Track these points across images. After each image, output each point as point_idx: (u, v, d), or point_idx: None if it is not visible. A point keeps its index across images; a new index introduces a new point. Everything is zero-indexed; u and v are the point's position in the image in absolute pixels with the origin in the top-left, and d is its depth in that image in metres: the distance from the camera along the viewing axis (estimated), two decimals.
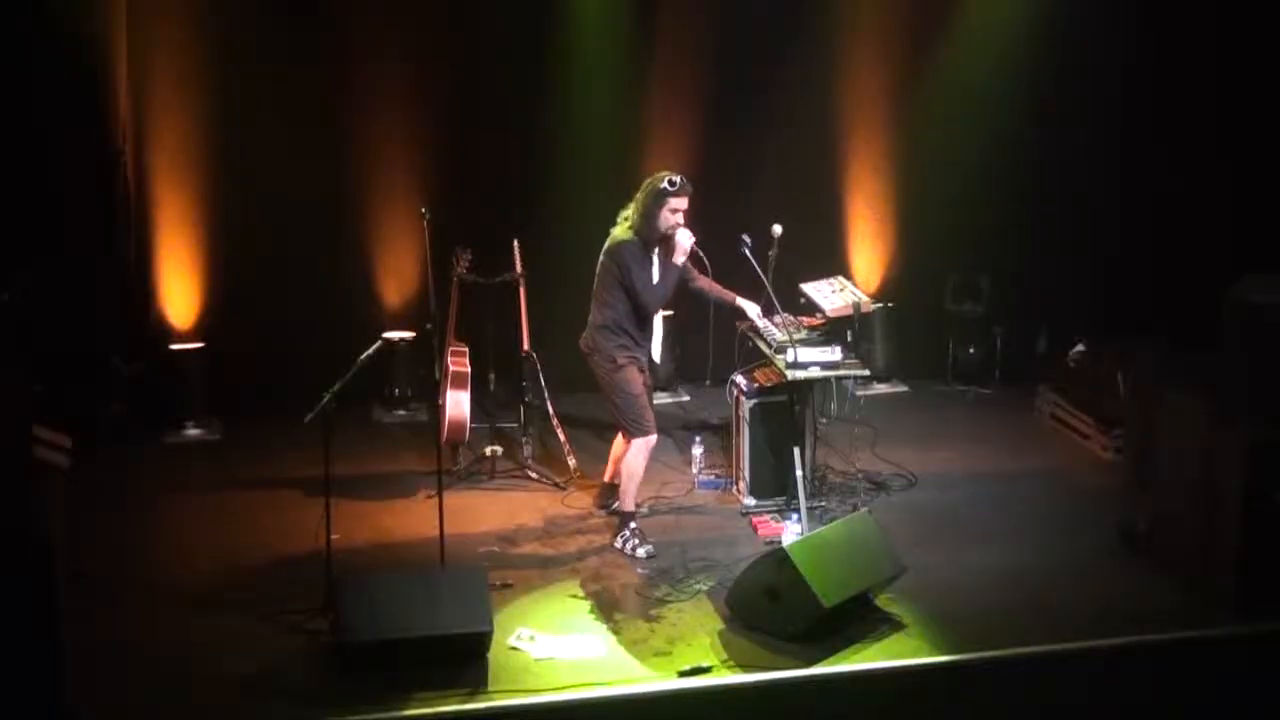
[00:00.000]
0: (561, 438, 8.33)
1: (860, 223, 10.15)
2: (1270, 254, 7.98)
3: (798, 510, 7.26)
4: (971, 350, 10.00)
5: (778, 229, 7.50)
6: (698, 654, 6.13)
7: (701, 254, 7.26)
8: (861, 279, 9.86)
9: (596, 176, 9.11)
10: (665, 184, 7.05)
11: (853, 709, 6.05)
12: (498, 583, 6.66)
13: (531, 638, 6.26)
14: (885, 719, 6.14)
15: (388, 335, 8.75)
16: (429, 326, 7.16)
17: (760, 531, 7.44)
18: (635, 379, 7.20)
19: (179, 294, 9.30)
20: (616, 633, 6.37)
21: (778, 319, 7.58)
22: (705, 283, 7.45)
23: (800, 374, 7.25)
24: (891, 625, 6.40)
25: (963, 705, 6.11)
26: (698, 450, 8.28)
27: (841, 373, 7.45)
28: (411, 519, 7.62)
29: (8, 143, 8.54)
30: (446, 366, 8.11)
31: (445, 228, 8.20)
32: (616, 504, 7.63)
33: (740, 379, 7.79)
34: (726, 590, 6.55)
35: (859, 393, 9.02)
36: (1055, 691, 6.14)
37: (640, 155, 9.51)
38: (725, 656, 6.12)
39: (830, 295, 8.27)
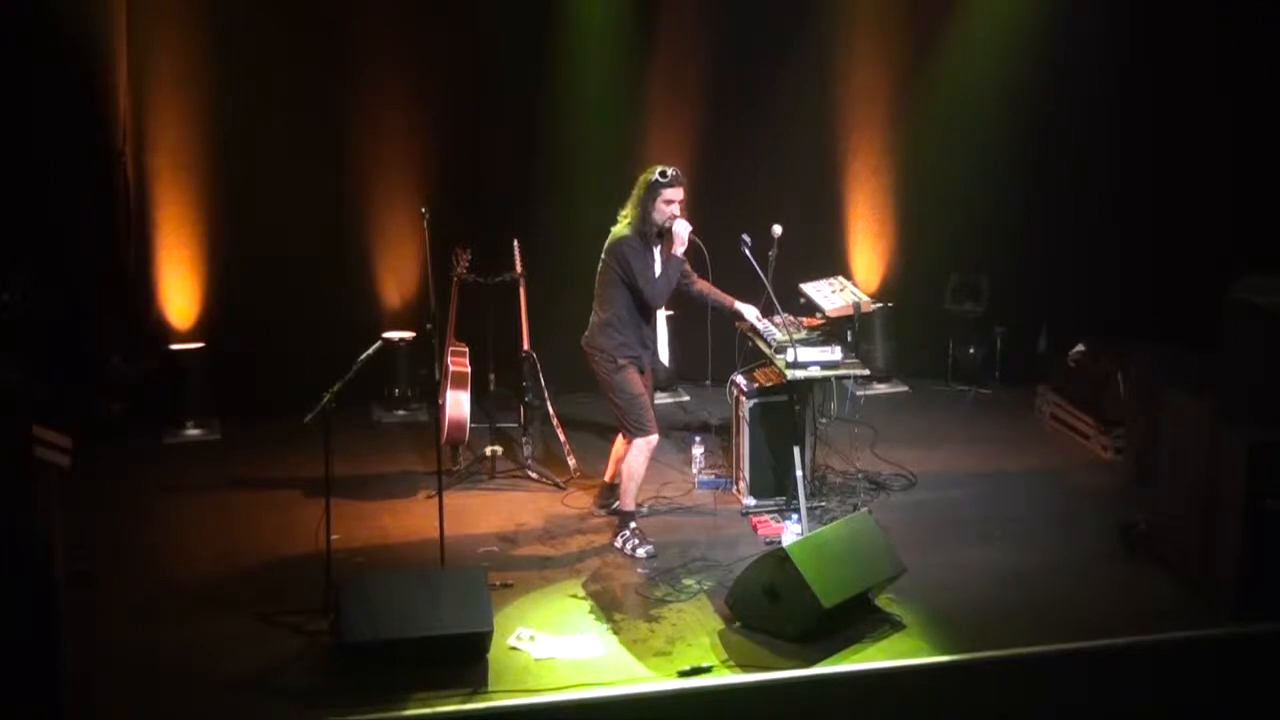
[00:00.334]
0: (561, 438, 8.33)
1: (860, 223, 10.14)
2: (1271, 253, 7.97)
3: (798, 510, 7.26)
4: (971, 350, 10.00)
5: (778, 229, 7.50)
6: (698, 654, 6.13)
7: (701, 244, 7.24)
8: (861, 279, 9.85)
9: (597, 176, 9.11)
10: (658, 176, 7.06)
11: (853, 709, 6.05)
12: (498, 583, 6.66)
13: (531, 638, 6.26)
14: (885, 719, 6.14)
15: (388, 335, 8.76)
16: (429, 326, 7.17)
17: (760, 531, 7.44)
18: (635, 379, 7.20)
19: (179, 294, 9.29)
20: (616, 633, 6.38)
21: (778, 319, 7.58)
22: (704, 286, 7.45)
23: (800, 374, 7.24)
24: (891, 625, 6.40)
25: (963, 705, 6.11)
26: (698, 450, 8.28)
27: (841, 372, 7.45)
28: (411, 519, 7.62)
29: (8, 143, 8.55)
30: (446, 366, 8.12)
31: (445, 228, 8.20)
32: (616, 504, 7.63)
33: (740, 379, 7.79)
34: (726, 590, 6.55)
35: (859, 393, 9.02)
36: (1055, 691, 6.14)
37: (640, 155, 9.49)
38: (725, 656, 6.13)
39: (830, 295, 8.27)
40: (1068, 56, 9.58)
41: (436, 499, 6.75)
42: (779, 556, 6.25)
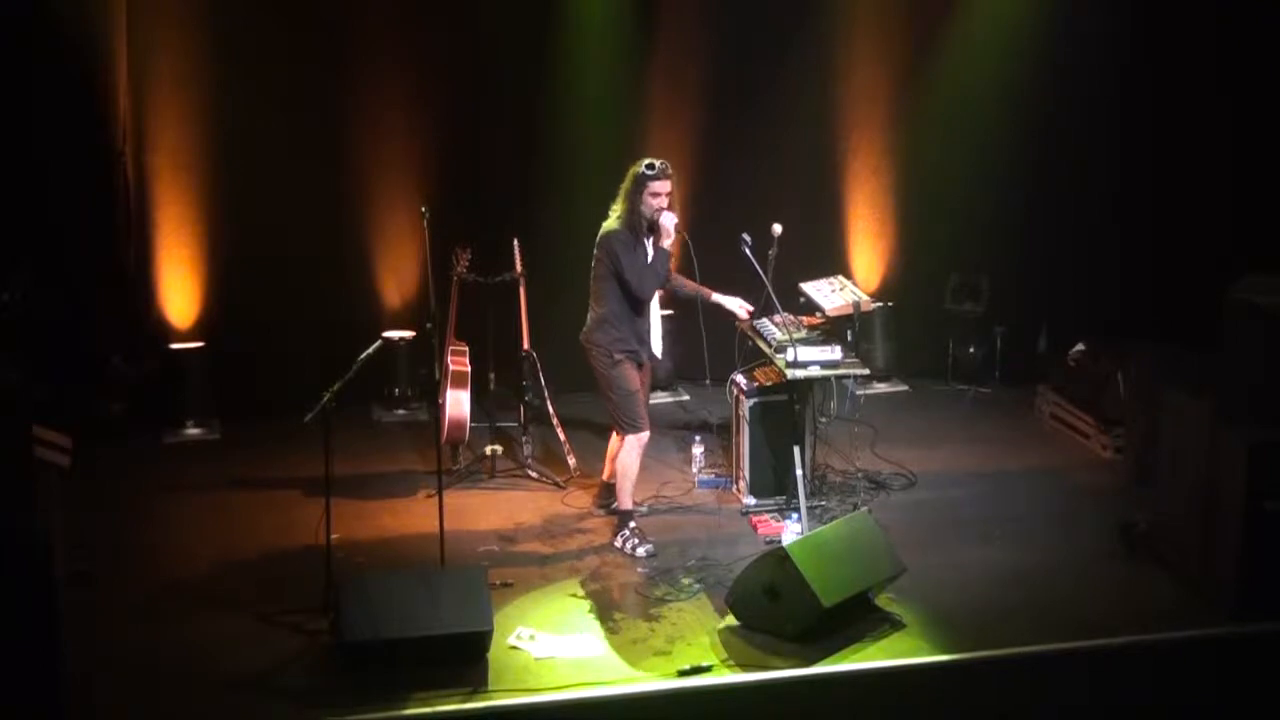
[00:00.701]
0: (561, 437, 8.33)
1: (860, 223, 10.15)
2: (1271, 253, 7.97)
3: (798, 510, 7.26)
4: (971, 350, 10.00)
5: (778, 228, 7.50)
6: (698, 654, 6.13)
7: (688, 239, 7.24)
8: (861, 279, 9.85)
9: (597, 176, 9.06)
10: (644, 168, 7.09)
11: (853, 709, 6.05)
12: (498, 582, 6.66)
13: (531, 637, 6.26)
14: (885, 719, 6.14)
15: (388, 335, 8.76)
16: (429, 326, 7.17)
17: (760, 531, 7.44)
18: (631, 375, 7.21)
19: (179, 294, 9.29)
20: (616, 632, 6.38)
21: (777, 318, 7.58)
22: (678, 279, 7.49)
23: (800, 373, 7.25)
24: (891, 625, 6.40)
25: (963, 705, 6.11)
26: (698, 450, 8.28)
27: (841, 372, 7.45)
28: (411, 519, 7.62)
29: (8, 142, 8.55)
30: (446, 366, 8.12)
31: (445, 228, 8.20)
32: (615, 503, 7.64)
33: (740, 378, 7.79)
34: (726, 590, 6.54)
35: (859, 392, 9.02)
36: (1055, 691, 6.14)
37: (640, 155, 9.45)
38: (725, 656, 6.13)
39: (830, 294, 8.27)
40: (1068, 56, 9.57)
41: (436, 498, 6.75)
42: (779, 556, 6.25)
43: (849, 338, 8.04)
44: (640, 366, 7.29)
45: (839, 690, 6.01)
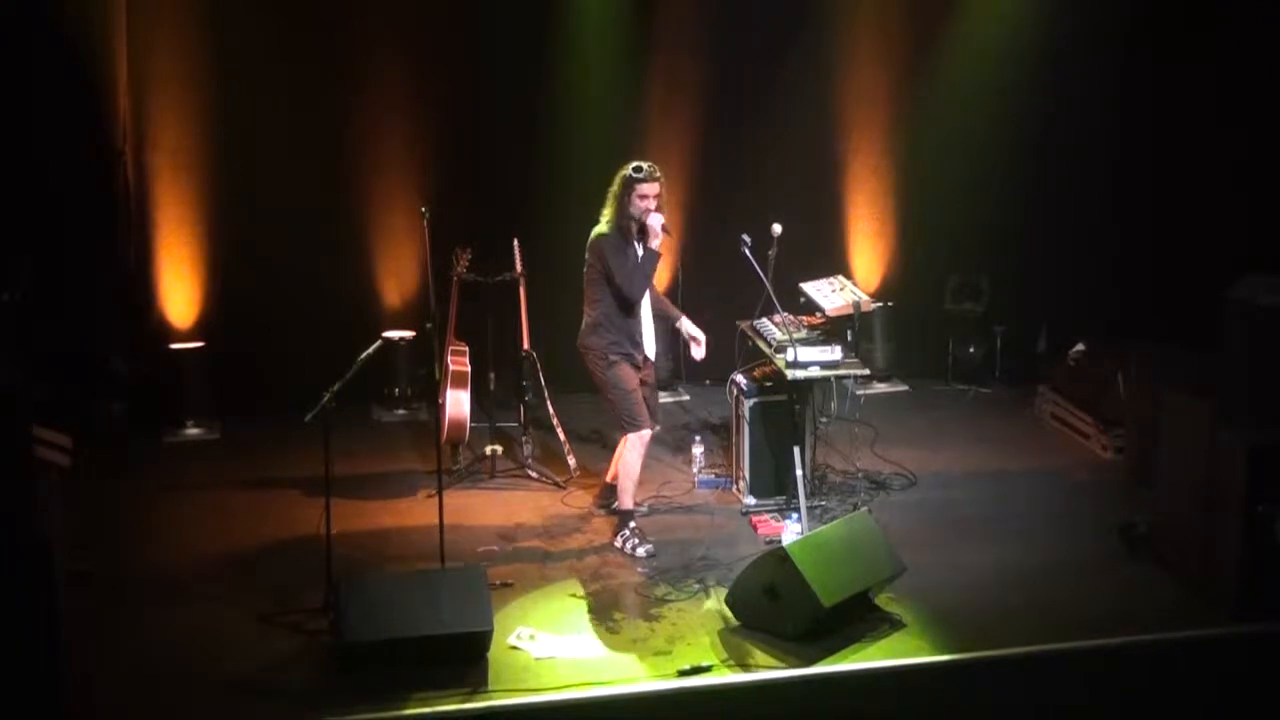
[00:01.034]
0: (561, 437, 8.33)
1: (860, 223, 10.15)
2: (1271, 254, 7.97)
3: (798, 510, 7.26)
4: (971, 350, 10.00)
5: (778, 228, 7.50)
6: (698, 654, 6.13)
7: (670, 234, 7.32)
8: (861, 279, 9.86)
9: (597, 176, 9.01)
10: (631, 171, 7.12)
11: (853, 709, 6.04)
12: (498, 582, 6.66)
13: (532, 637, 6.26)
14: (885, 719, 6.14)
15: (388, 335, 8.76)
16: (429, 326, 7.17)
17: (760, 531, 7.44)
18: (628, 375, 7.22)
19: (179, 294, 9.30)
20: (616, 632, 6.38)
21: (777, 318, 7.58)
22: (657, 295, 7.53)
23: (800, 373, 7.25)
24: (891, 625, 6.40)
25: (963, 705, 6.11)
26: (698, 450, 8.28)
27: (841, 372, 7.46)
28: (411, 519, 7.62)
29: (8, 142, 8.55)
30: (446, 366, 8.12)
31: (445, 228, 8.19)
32: (616, 503, 7.64)
33: (740, 379, 7.79)
34: (726, 590, 6.54)
35: (859, 392, 9.02)
36: (1055, 691, 6.14)
37: (640, 155, 9.41)
38: (725, 656, 6.12)
39: (830, 294, 8.27)
40: (1067, 56, 9.58)
41: (436, 498, 6.75)
42: (779, 556, 6.25)
43: (849, 338, 8.04)
44: (639, 367, 7.29)
45: (839, 690, 6.01)
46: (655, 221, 7.09)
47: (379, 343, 6.67)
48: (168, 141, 9.13)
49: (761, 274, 7.32)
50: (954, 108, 9.85)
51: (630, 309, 7.21)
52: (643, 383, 7.36)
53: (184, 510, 7.89)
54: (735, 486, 7.98)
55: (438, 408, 7.94)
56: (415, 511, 7.71)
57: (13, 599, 5.48)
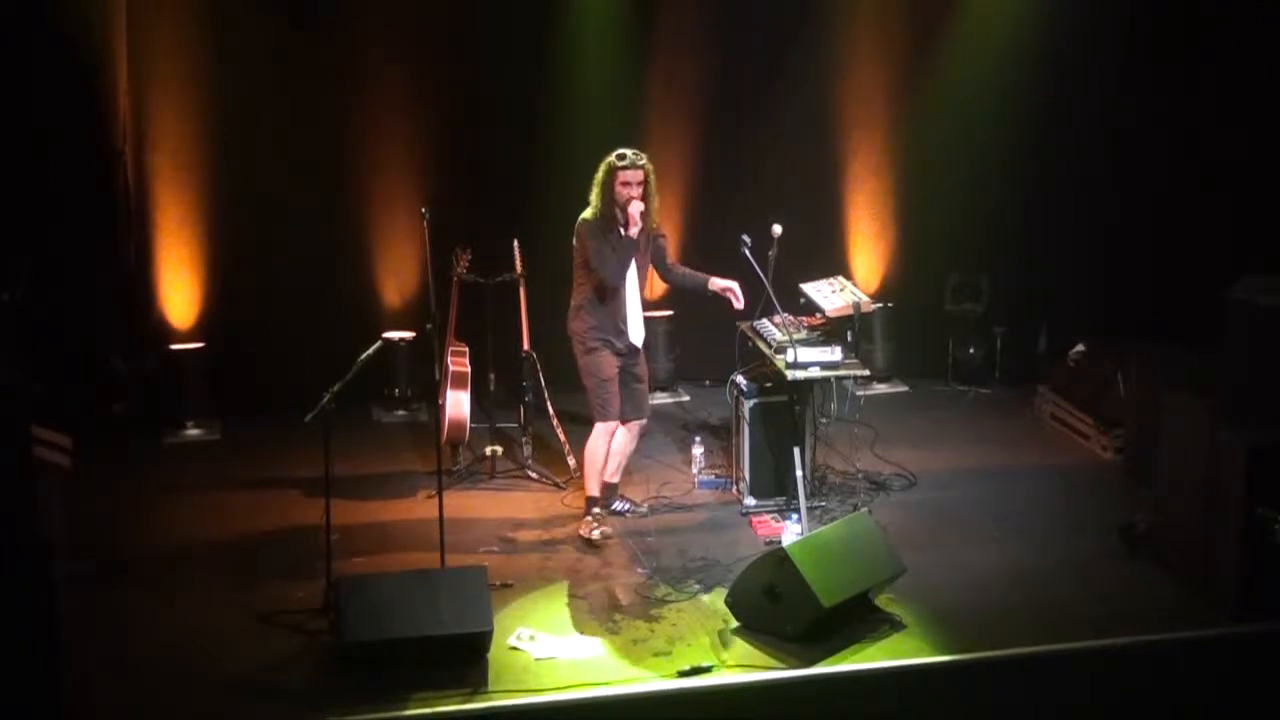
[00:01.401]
0: (561, 437, 8.33)
1: (860, 223, 10.15)
2: (1270, 254, 7.97)
3: (798, 510, 7.26)
4: (971, 350, 10.00)
5: (777, 229, 7.49)
6: (698, 654, 6.13)
7: (663, 235, 7.38)
8: (861, 279, 9.86)
9: None
10: (614, 157, 7.17)
11: (853, 709, 6.04)
12: (498, 582, 6.65)
13: (531, 638, 6.26)
14: (885, 719, 6.14)
15: (388, 335, 8.74)
16: (429, 326, 7.17)
17: (760, 531, 7.44)
18: (606, 363, 7.24)
19: (179, 294, 9.30)
20: (616, 633, 6.37)
21: (777, 319, 7.58)
22: (681, 271, 7.57)
23: (800, 374, 7.25)
24: (891, 625, 6.40)
25: (963, 705, 6.11)
26: (698, 450, 8.28)
27: (841, 373, 7.45)
28: (411, 519, 7.62)
29: (8, 142, 8.55)
30: (446, 366, 8.12)
31: (445, 228, 8.19)
32: (616, 503, 7.65)
33: (740, 379, 7.79)
34: (726, 590, 6.54)
35: (859, 393, 9.02)
36: (1055, 691, 6.14)
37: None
38: (725, 656, 6.12)
39: (830, 295, 8.26)
40: (1067, 56, 9.57)
41: (436, 499, 6.75)
42: (779, 556, 6.25)
43: (849, 338, 8.03)
44: (620, 354, 7.29)
45: (839, 690, 6.00)
46: (635, 210, 7.11)
47: (379, 343, 6.67)
48: (168, 141, 9.13)
49: (761, 274, 7.32)
50: (954, 108, 9.85)
51: (611, 294, 7.22)
52: (628, 372, 7.38)
53: (184, 510, 7.88)
54: (735, 487, 7.98)
55: (438, 408, 7.94)
56: (415, 512, 7.71)
57: (13, 599, 5.48)
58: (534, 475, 8.23)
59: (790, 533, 7.13)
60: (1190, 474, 6.73)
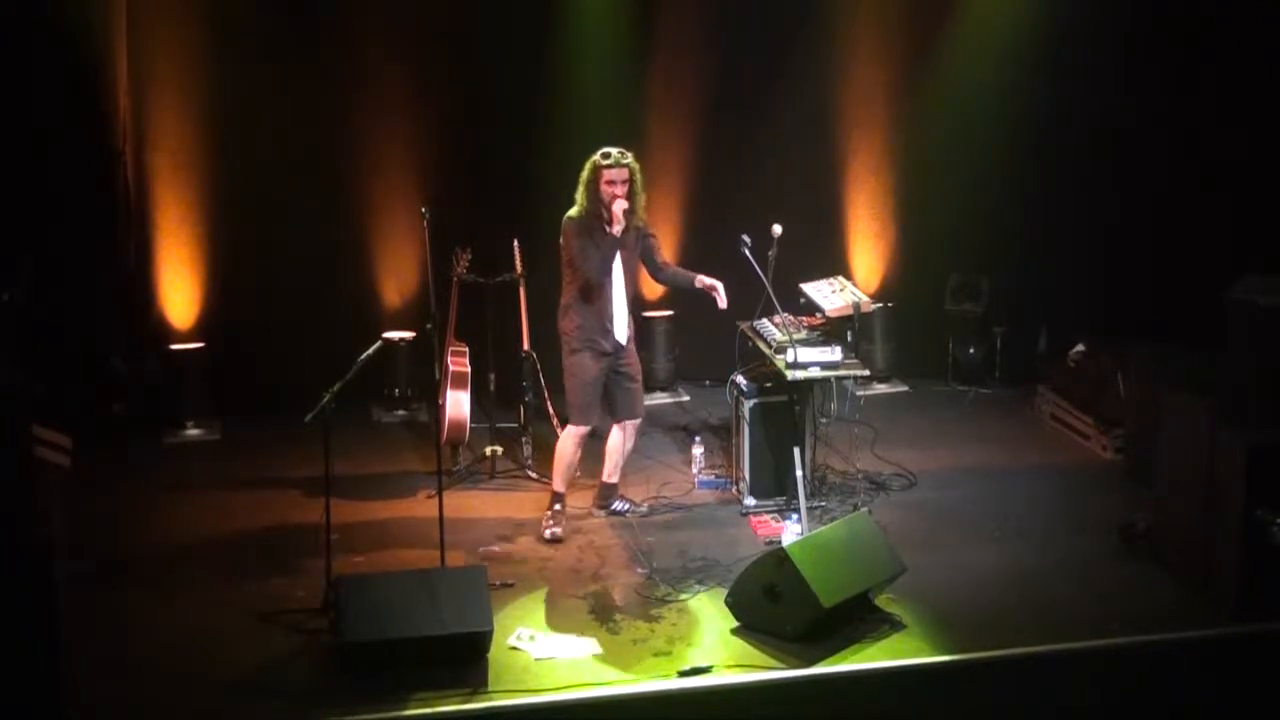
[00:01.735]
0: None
1: (860, 223, 10.15)
2: (1270, 254, 7.97)
3: (798, 510, 7.26)
4: (971, 350, 10.00)
5: (777, 229, 7.50)
6: (698, 654, 6.13)
7: (652, 235, 7.38)
8: (861, 279, 9.86)
9: None
10: (599, 156, 7.20)
11: (853, 709, 6.04)
12: (498, 582, 6.66)
13: (532, 638, 6.26)
14: (885, 719, 6.14)
15: (388, 335, 8.75)
16: (429, 326, 7.17)
17: (760, 531, 7.44)
18: (586, 366, 7.27)
19: (179, 294, 9.30)
20: (616, 633, 6.37)
21: (777, 319, 7.58)
22: (671, 271, 7.58)
23: (800, 374, 7.25)
24: (891, 625, 6.40)
25: (963, 705, 6.11)
26: (698, 450, 8.28)
27: (841, 373, 7.45)
28: (411, 519, 7.62)
29: (8, 142, 8.55)
30: (446, 366, 8.12)
31: (445, 228, 8.20)
32: (616, 502, 7.66)
33: (740, 379, 7.79)
34: (726, 590, 6.54)
35: (859, 393, 9.01)
36: (1055, 691, 6.14)
37: (640, 155, 9.42)
38: (725, 656, 6.12)
39: (830, 295, 8.26)
40: (1067, 56, 9.57)
41: (436, 499, 6.75)
42: (779, 556, 6.25)
43: (849, 338, 8.04)
44: (605, 355, 7.29)
45: (839, 690, 6.01)
46: (619, 208, 7.11)
47: (379, 343, 6.67)
48: (168, 141, 9.13)
49: (761, 274, 7.32)
50: (954, 108, 9.85)
51: (595, 292, 7.23)
52: (619, 371, 7.38)
53: (184, 510, 7.88)
54: (735, 487, 7.98)
55: (438, 408, 7.94)
56: (415, 512, 7.71)
57: (13, 599, 5.47)
58: (534, 475, 8.23)
59: (790, 533, 7.14)
60: (1190, 474, 6.73)
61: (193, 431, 9.06)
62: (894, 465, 8.33)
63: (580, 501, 7.87)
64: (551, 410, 8.38)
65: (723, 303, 7.34)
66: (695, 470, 8.24)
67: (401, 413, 9.40)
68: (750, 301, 7.60)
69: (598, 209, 7.18)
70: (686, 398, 9.80)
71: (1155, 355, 8.20)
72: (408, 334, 9.15)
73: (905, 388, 10.01)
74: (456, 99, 9.35)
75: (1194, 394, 6.86)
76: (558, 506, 7.45)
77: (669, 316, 9.74)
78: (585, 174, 7.23)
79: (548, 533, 7.35)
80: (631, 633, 6.37)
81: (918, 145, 9.98)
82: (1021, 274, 9.94)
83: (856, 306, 8.20)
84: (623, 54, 9.55)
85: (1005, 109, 9.70)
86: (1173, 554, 6.89)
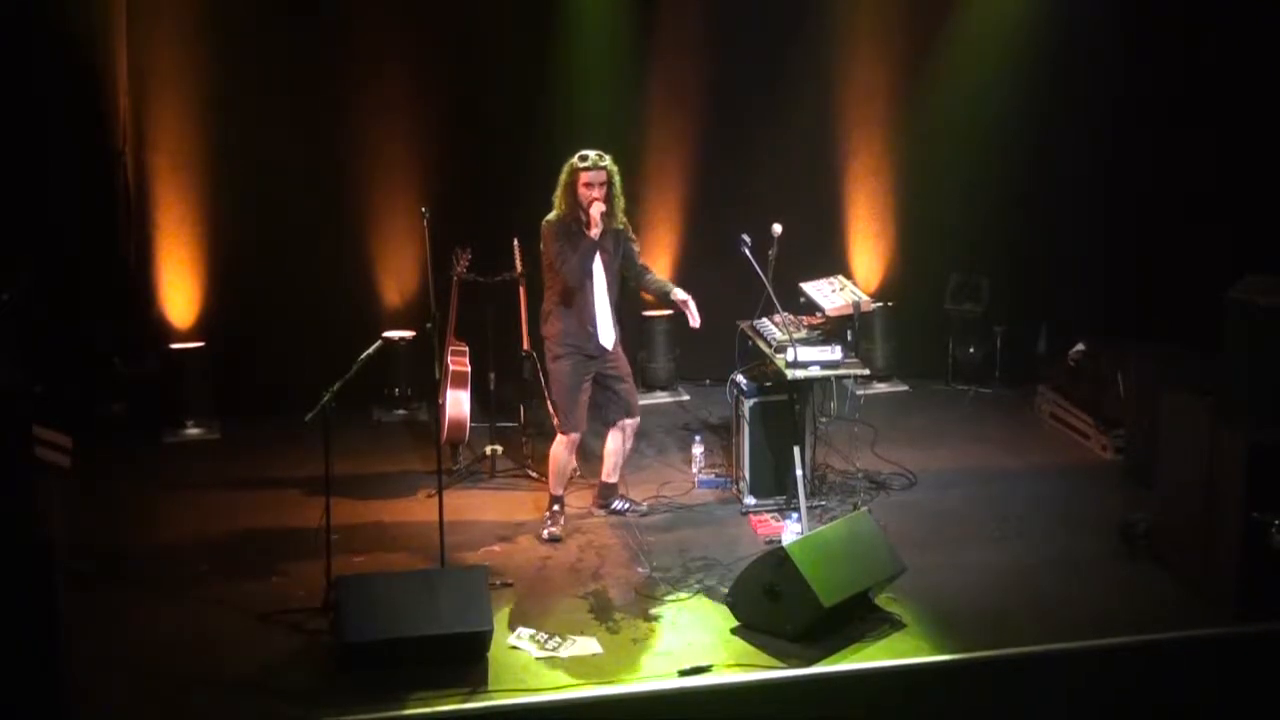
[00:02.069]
0: None
1: (860, 223, 10.15)
2: (1270, 254, 7.97)
3: (798, 510, 7.26)
4: (971, 350, 10.00)
5: (777, 228, 7.50)
6: (698, 654, 6.13)
7: (632, 236, 7.37)
8: (861, 279, 9.86)
9: None
10: (576, 159, 7.20)
11: (853, 709, 6.04)
12: (498, 582, 6.66)
13: (532, 637, 6.26)
14: (885, 719, 6.14)
15: (388, 335, 8.73)
16: (429, 326, 7.18)
17: (760, 531, 7.44)
18: (569, 371, 7.28)
19: (179, 294, 9.30)
20: (616, 632, 6.38)
21: (777, 318, 7.58)
22: (648, 276, 7.56)
23: (800, 373, 7.25)
24: (891, 625, 6.40)
25: (963, 705, 6.11)
26: (698, 450, 8.28)
27: (841, 372, 7.46)
28: (411, 519, 7.62)
29: (8, 142, 8.55)
30: (446, 366, 8.12)
31: (445, 228, 8.20)
32: (616, 502, 7.66)
33: (740, 378, 7.79)
34: (726, 590, 6.54)
35: (859, 392, 9.02)
36: (1055, 691, 6.14)
37: (640, 155, 9.53)
38: (725, 656, 6.12)
39: (830, 294, 8.27)
40: (1067, 56, 9.57)
41: (436, 499, 6.75)
42: (779, 556, 6.25)
43: (849, 338, 8.04)
44: (590, 359, 7.29)
45: (839, 690, 6.01)
46: (596, 211, 7.11)
47: (379, 343, 6.67)
48: (168, 141, 9.13)
49: (761, 274, 7.33)
50: (954, 108, 9.85)
51: (576, 296, 7.22)
52: (607, 374, 7.37)
53: (184, 510, 7.88)
54: (735, 487, 7.98)
55: (438, 408, 7.94)
56: (415, 511, 7.71)
57: (13, 599, 5.47)
58: (534, 475, 8.23)
59: (790, 532, 7.13)
60: (1190, 474, 6.73)
61: (193, 431, 9.06)
62: (894, 465, 8.33)
63: (580, 501, 7.88)
64: (552, 410, 8.37)
65: (694, 321, 7.34)
66: (695, 469, 8.25)
67: (401, 412, 9.40)
68: (750, 301, 7.60)
69: (576, 212, 7.17)
70: (686, 397, 9.80)
71: (1155, 355, 8.21)
72: (408, 333, 9.15)
73: (905, 387, 10.01)
74: (456, 99, 9.35)
75: (1194, 394, 6.86)
76: (556, 508, 7.47)
77: (669, 316, 9.74)
78: (563, 176, 7.23)
79: (546, 533, 7.36)
80: (631, 632, 6.37)
81: (918, 145, 9.98)
82: (1021, 274, 9.94)
83: (856, 306, 8.20)
84: (623, 54, 9.55)
85: (1005, 109, 9.70)
86: (1173, 554, 6.89)
